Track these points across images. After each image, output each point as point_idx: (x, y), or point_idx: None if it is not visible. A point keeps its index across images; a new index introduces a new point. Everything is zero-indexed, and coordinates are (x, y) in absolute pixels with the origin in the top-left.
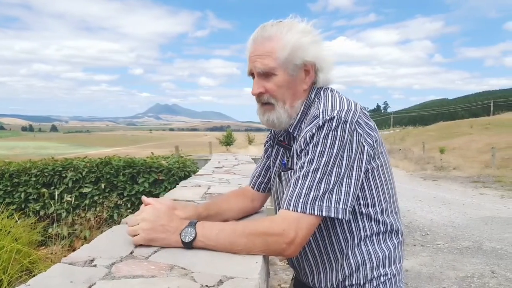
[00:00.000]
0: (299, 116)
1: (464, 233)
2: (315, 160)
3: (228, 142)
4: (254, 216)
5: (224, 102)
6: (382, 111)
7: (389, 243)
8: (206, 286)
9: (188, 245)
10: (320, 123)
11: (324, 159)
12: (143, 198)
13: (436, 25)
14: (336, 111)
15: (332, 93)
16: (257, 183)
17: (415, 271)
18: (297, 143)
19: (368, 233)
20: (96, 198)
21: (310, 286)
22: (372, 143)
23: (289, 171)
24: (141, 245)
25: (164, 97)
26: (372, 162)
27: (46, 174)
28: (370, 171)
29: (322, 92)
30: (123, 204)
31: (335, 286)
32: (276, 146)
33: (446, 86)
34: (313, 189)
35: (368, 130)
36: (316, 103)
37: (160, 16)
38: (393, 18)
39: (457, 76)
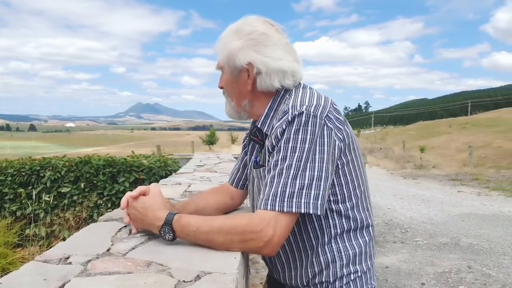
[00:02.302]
0: (266, 111)
1: (443, 230)
2: (288, 157)
3: (211, 141)
4: (233, 212)
5: (207, 101)
6: (364, 110)
7: (360, 240)
8: (183, 281)
9: (171, 240)
10: (290, 118)
11: (296, 154)
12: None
13: (417, 26)
14: (305, 106)
15: (304, 89)
16: (236, 179)
17: (395, 267)
18: (269, 140)
19: (339, 230)
20: (75, 197)
21: (282, 283)
22: (342, 138)
23: (261, 168)
24: (120, 238)
25: (146, 96)
26: (342, 157)
27: (23, 173)
28: (340, 166)
29: (294, 89)
30: (103, 204)
31: (305, 283)
32: (252, 142)
33: (426, 86)
34: (288, 185)
35: (339, 125)
36: (287, 99)
37: (142, 14)
38: (375, 19)
39: (437, 77)
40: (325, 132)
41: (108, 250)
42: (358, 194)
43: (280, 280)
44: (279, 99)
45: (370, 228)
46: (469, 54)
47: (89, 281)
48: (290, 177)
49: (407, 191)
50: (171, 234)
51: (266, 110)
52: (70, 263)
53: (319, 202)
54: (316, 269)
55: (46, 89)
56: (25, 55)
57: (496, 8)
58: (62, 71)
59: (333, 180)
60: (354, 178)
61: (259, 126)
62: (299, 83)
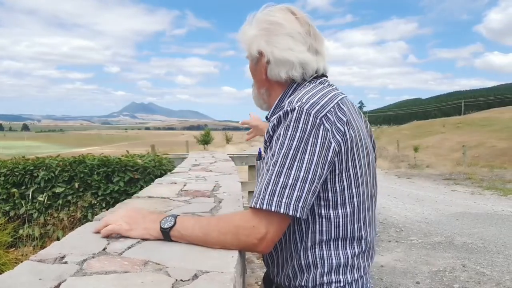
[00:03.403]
0: (276, 102)
1: (437, 229)
2: (275, 153)
3: (205, 141)
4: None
5: (202, 101)
6: None
7: (348, 251)
8: (181, 280)
9: (166, 233)
10: (281, 113)
11: (282, 151)
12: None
13: (411, 26)
14: (299, 103)
15: (315, 85)
16: None
17: (390, 266)
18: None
19: (325, 237)
20: (69, 197)
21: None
22: (341, 140)
23: (259, 161)
24: (116, 238)
25: (140, 95)
26: (341, 162)
27: (17, 173)
28: (337, 171)
29: (307, 83)
30: (97, 204)
31: (286, 283)
32: None
33: (419, 86)
34: (271, 183)
35: (340, 126)
36: (295, 93)
37: (137, 14)
38: (370, 19)
39: (430, 77)
40: (320, 133)
41: (104, 249)
42: (355, 203)
43: (269, 274)
44: (290, 91)
45: (363, 241)
46: (462, 54)
47: (86, 280)
48: (274, 174)
49: (401, 190)
50: (172, 222)
51: (276, 102)
52: (65, 262)
53: (300, 205)
54: (296, 271)
55: (39, 88)
56: (18, 54)
57: (489, 9)
58: (56, 70)
59: (326, 184)
60: (353, 186)
61: (268, 117)
62: (323, 76)
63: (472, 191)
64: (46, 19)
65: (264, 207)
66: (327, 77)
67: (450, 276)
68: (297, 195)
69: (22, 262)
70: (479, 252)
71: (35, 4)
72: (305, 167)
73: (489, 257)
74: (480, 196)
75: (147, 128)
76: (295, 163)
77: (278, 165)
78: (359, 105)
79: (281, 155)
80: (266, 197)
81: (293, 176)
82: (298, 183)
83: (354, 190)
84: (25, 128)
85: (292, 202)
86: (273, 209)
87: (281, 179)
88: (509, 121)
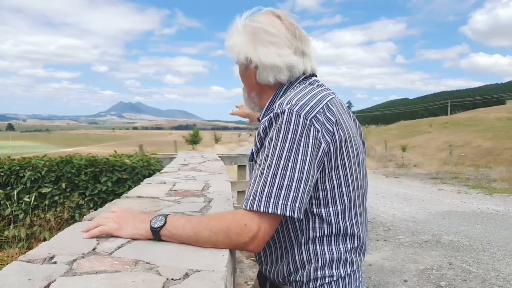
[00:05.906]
0: (267, 104)
1: (424, 228)
2: (269, 156)
3: (194, 140)
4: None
5: (190, 100)
6: None
7: (341, 246)
8: (172, 279)
9: (156, 233)
10: (272, 116)
11: (276, 153)
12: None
13: (399, 27)
14: (289, 105)
15: (304, 86)
16: None
17: (378, 265)
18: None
19: (318, 234)
20: (56, 198)
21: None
22: (330, 140)
23: (251, 162)
24: (106, 238)
25: (128, 95)
26: (330, 161)
27: (2, 173)
28: (327, 170)
29: (297, 84)
30: (85, 204)
31: (281, 280)
32: None
33: (407, 86)
34: (266, 185)
35: (329, 126)
36: (285, 94)
37: (126, 13)
38: (359, 20)
39: (417, 77)
40: (311, 133)
41: (93, 249)
42: (346, 201)
43: (262, 272)
44: (280, 93)
45: (355, 238)
46: (449, 55)
47: (76, 280)
48: (270, 176)
49: (389, 189)
50: (162, 222)
51: (267, 104)
52: (55, 262)
53: (296, 205)
54: (291, 267)
55: (25, 87)
56: (4, 52)
57: (474, 10)
58: (42, 69)
59: (316, 184)
60: (343, 184)
61: (260, 118)
62: (312, 76)
63: (458, 190)
64: (34, 17)
65: (262, 209)
66: (316, 77)
67: (437, 274)
68: (293, 196)
69: (7, 263)
70: (465, 250)
71: (22, 2)
72: (299, 168)
73: (475, 255)
74: (466, 195)
75: (135, 128)
76: (289, 164)
77: (272, 167)
78: (347, 105)
79: (274, 158)
80: (263, 199)
81: (288, 177)
82: (294, 184)
83: (344, 189)
84: (10, 127)
85: (289, 203)
86: (270, 211)
87: (276, 181)
88: (494, 121)
